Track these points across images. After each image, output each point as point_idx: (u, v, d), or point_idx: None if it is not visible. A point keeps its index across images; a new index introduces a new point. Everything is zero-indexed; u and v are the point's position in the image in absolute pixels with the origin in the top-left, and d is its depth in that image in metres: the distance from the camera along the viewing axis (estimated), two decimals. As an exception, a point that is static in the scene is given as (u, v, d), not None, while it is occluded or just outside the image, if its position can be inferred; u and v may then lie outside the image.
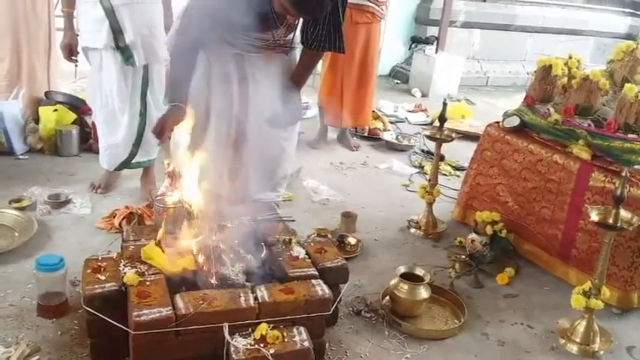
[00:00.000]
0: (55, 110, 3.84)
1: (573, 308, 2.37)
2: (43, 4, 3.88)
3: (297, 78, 2.54)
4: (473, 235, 2.95)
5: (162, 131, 2.21)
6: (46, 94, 4.01)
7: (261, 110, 2.38)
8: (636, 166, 2.56)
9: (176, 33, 2.36)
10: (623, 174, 2.20)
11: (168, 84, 2.46)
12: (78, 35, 3.15)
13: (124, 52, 2.98)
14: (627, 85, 2.70)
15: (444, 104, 3.17)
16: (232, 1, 2.08)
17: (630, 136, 2.65)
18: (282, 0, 2.08)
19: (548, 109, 2.99)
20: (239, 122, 2.45)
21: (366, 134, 4.91)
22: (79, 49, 3.12)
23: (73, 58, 3.17)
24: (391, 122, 5.32)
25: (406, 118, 5.63)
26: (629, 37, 8.15)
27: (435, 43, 7.10)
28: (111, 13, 2.90)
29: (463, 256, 2.96)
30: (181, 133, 2.23)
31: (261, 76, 2.42)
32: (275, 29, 2.32)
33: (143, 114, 3.13)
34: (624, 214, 2.25)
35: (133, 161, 3.24)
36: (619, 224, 2.22)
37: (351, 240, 2.97)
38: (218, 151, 2.40)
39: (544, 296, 2.75)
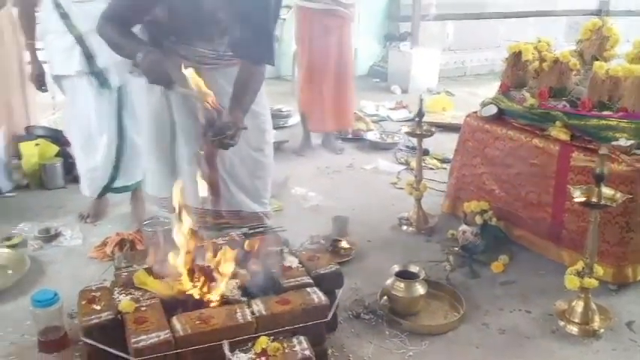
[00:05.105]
0: (37, 144, 3.82)
1: (569, 289, 2.40)
2: (11, 38, 3.82)
3: (234, 99, 2.24)
4: (463, 227, 2.98)
5: (162, 79, 2.05)
6: (27, 129, 4.00)
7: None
8: (614, 142, 2.59)
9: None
10: (600, 152, 2.23)
11: (119, 53, 2.19)
12: (45, 63, 3.15)
13: (99, 76, 2.99)
14: (596, 63, 2.73)
15: (421, 100, 3.20)
16: None
17: (605, 112, 2.69)
18: None
19: (523, 95, 3.02)
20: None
21: (349, 136, 4.93)
22: (50, 78, 3.11)
23: (43, 88, 3.17)
24: (374, 122, 5.35)
25: (388, 116, 5.65)
26: (599, 12, 8.23)
27: (409, 38, 7.14)
28: (81, 40, 2.92)
29: (456, 248, 2.98)
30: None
31: (221, 87, 2.29)
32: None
33: (121, 135, 3.12)
34: (607, 191, 2.27)
35: (115, 185, 3.22)
36: (602, 202, 2.24)
37: (344, 244, 2.98)
38: (191, 168, 2.37)
39: (540, 280, 2.77)
